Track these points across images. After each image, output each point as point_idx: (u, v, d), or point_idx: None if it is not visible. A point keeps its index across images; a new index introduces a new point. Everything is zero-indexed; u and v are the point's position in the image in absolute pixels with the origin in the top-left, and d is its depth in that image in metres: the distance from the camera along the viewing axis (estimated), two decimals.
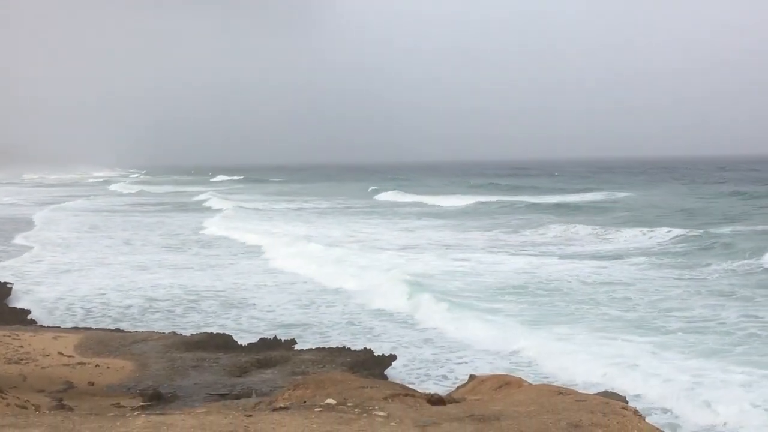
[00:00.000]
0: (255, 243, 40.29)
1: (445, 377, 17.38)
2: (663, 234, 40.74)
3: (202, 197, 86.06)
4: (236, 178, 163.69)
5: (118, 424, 7.51)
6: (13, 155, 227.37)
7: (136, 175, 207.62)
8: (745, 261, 30.96)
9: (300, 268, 31.89)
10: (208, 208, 69.92)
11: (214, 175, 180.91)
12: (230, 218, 55.78)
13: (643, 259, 33.27)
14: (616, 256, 34.47)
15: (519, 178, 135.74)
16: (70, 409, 11.83)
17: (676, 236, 39.61)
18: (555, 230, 45.55)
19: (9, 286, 26.86)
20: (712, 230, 41.25)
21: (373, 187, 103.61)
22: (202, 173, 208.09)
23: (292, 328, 22.02)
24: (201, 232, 47.76)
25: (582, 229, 44.82)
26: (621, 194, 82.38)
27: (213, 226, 49.75)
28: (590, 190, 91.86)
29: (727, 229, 42.21)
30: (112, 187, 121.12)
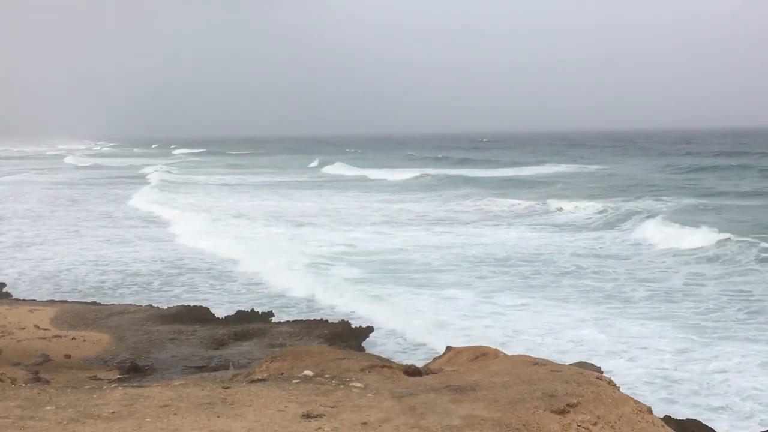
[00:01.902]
0: (159, 215, 42.10)
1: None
2: (572, 207, 42.15)
3: (147, 170, 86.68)
4: (196, 151, 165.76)
5: (95, 396, 7.49)
6: None
7: (98, 147, 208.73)
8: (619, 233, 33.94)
9: (182, 237, 33.66)
10: (147, 182, 70.48)
11: (177, 148, 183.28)
12: (151, 193, 56.81)
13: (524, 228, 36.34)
14: (508, 224, 37.94)
15: (483, 152, 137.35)
16: (47, 382, 11.79)
17: (581, 209, 41.41)
18: (471, 205, 47.29)
19: None
20: (622, 204, 42.61)
21: (316, 161, 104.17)
22: (167, 146, 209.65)
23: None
24: (120, 207, 48.57)
25: (501, 202, 46.84)
26: (566, 167, 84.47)
27: (134, 201, 50.79)
28: (544, 162, 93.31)
29: (634, 204, 43.29)
30: (67, 160, 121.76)
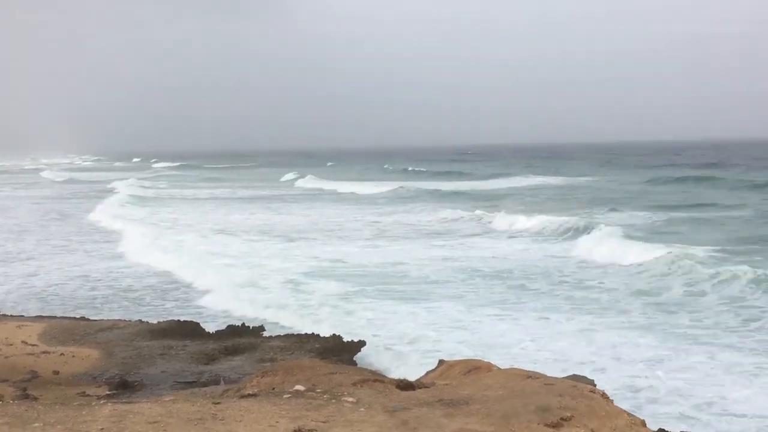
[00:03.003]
0: (116, 229, 42.32)
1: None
2: (524, 220, 41.75)
3: (116, 184, 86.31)
4: (175, 164, 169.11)
5: (84, 413, 7.41)
6: None
7: (79, 162, 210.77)
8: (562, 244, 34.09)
9: (135, 253, 33.78)
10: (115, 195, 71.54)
11: (157, 162, 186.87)
12: (116, 207, 57.23)
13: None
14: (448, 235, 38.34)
15: (461, 164, 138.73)
16: (35, 398, 11.67)
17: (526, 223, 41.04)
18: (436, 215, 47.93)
19: None
20: (568, 219, 41.84)
21: (290, 175, 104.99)
22: (148, 159, 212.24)
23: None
24: (83, 220, 49.12)
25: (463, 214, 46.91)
26: (540, 179, 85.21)
27: (97, 215, 51.12)
28: (512, 175, 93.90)
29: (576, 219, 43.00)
30: (44, 174, 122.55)
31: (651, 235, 35.19)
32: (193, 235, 39.10)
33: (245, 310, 22.28)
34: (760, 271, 24.13)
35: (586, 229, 35.98)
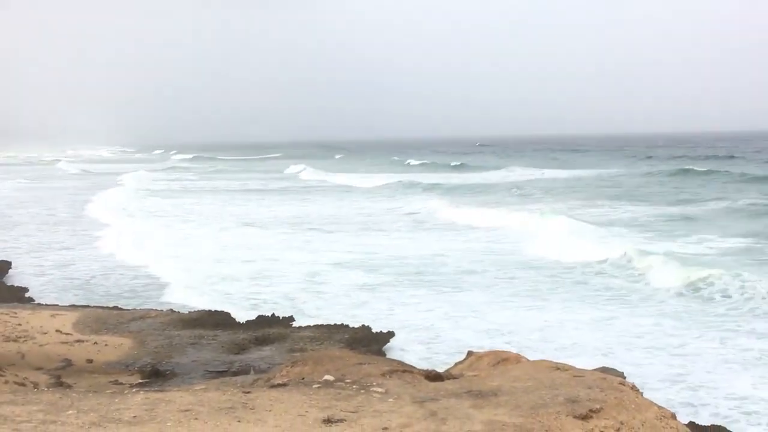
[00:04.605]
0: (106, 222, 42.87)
1: None
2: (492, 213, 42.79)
3: (124, 177, 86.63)
4: (189, 156, 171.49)
5: (116, 401, 7.51)
6: (5, 133, 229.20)
7: (102, 153, 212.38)
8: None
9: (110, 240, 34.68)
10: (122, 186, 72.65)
11: (177, 153, 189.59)
12: (115, 199, 58.04)
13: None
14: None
15: (463, 156, 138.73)
16: (69, 386, 11.84)
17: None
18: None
19: (8, 262, 26.89)
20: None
21: (296, 167, 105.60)
22: (169, 151, 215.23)
23: None
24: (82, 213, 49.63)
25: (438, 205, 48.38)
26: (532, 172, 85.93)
27: (96, 206, 51.88)
28: (501, 167, 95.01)
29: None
30: (60, 165, 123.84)
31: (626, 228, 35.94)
32: (165, 229, 39.70)
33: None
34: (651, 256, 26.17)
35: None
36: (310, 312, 21.11)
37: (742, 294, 21.78)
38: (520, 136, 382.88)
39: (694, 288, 22.85)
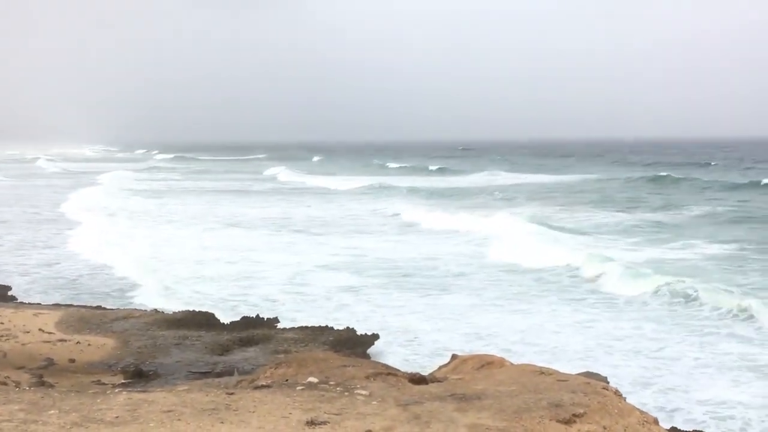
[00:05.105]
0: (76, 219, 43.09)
1: None
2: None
3: (102, 177, 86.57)
4: (170, 156, 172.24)
5: (98, 401, 7.47)
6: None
7: (85, 152, 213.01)
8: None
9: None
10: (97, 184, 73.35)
11: (159, 153, 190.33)
12: (92, 198, 57.99)
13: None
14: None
15: (442, 160, 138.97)
16: (51, 385, 11.76)
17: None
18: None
19: None
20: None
21: (273, 169, 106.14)
22: (151, 150, 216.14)
23: None
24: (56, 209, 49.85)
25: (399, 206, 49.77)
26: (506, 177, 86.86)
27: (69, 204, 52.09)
28: (478, 171, 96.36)
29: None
30: (38, 163, 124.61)
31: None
32: (143, 230, 39.81)
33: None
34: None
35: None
36: (293, 314, 21.09)
37: (689, 301, 21.90)
38: (505, 140, 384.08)
39: (652, 294, 22.94)
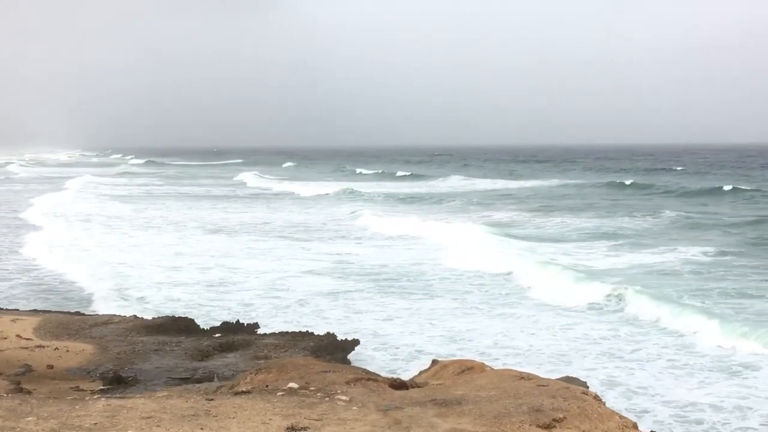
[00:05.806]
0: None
1: None
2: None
3: (69, 183, 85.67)
4: (141, 161, 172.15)
5: (77, 407, 7.42)
6: None
7: (60, 157, 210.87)
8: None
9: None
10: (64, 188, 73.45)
11: (133, 158, 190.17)
12: (55, 202, 57.72)
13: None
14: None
15: (413, 166, 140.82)
16: (29, 392, 11.67)
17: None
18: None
19: None
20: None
21: (242, 174, 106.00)
22: (126, 155, 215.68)
23: None
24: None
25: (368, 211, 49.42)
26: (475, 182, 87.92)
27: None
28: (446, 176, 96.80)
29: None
30: (9, 168, 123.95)
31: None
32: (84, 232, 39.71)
33: None
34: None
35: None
36: (272, 320, 21.06)
37: (624, 308, 22.00)
38: (484, 146, 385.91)
39: (590, 303, 22.90)
